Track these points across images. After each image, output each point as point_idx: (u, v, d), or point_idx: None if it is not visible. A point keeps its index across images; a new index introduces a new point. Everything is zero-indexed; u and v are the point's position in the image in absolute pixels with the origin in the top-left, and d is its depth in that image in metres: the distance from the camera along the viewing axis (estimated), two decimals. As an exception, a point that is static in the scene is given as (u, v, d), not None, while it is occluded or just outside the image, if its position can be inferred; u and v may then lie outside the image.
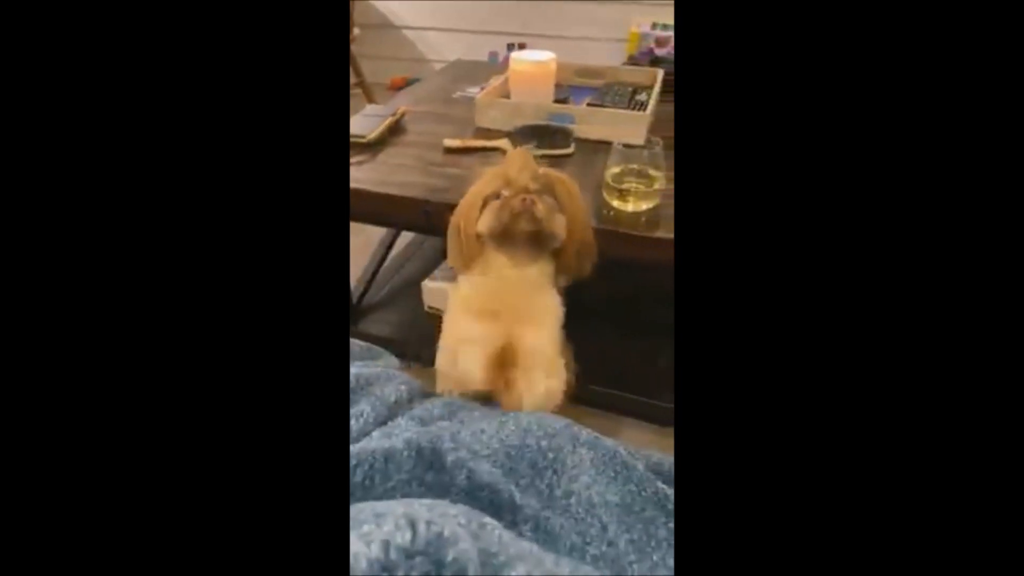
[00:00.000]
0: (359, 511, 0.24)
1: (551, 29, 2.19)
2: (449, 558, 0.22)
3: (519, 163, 0.60)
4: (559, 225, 0.59)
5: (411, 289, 1.11)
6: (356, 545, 0.21)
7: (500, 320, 0.59)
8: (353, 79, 1.98)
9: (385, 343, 1.05)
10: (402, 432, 0.39)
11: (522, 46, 2.20)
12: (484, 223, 0.60)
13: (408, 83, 2.45)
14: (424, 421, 0.43)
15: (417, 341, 1.00)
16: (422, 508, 0.25)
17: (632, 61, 2.06)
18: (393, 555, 0.21)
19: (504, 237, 0.59)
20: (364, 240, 1.22)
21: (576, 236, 0.61)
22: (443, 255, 1.05)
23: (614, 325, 1.01)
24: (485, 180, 0.62)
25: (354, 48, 1.94)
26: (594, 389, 0.92)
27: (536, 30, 2.20)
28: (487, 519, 0.27)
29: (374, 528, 0.22)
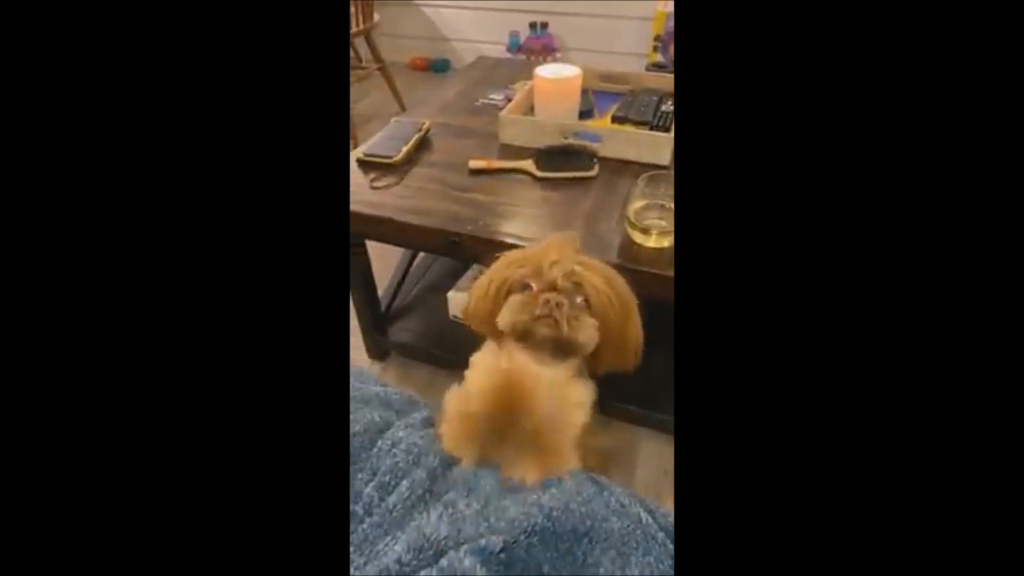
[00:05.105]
0: None
1: (574, 8, 2.13)
2: None
3: (553, 255, 0.54)
4: (587, 334, 0.53)
5: (437, 295, 1.14)
6: None
7: (506, 437, 0.48)
8: (374, 64, 1.97)
9: (413, 352, 1.10)
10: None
11: (544, 25, 2.14)
12: (504, 317, 0.54)
13: (429, 65, 2.42)
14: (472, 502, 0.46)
15: (446, 349, 1.04)
16: None
17: (658, 40, 2.00)
18: None
19: (524, 337, 0.53)
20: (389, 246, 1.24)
21: (612, 344, 0.55)
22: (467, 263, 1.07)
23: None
24: (513, 262, 0.57)
25: (373, 30, 1.92)
26: (618, 406, 0.94)
27: (558, 8, 2.14)
28: None
29: None
